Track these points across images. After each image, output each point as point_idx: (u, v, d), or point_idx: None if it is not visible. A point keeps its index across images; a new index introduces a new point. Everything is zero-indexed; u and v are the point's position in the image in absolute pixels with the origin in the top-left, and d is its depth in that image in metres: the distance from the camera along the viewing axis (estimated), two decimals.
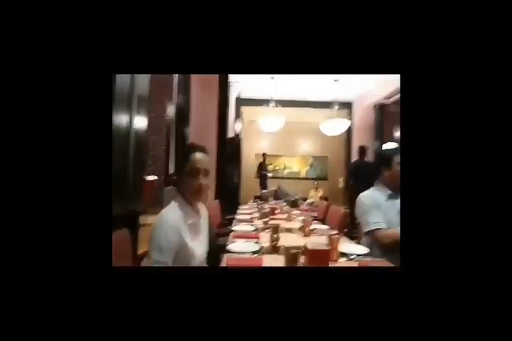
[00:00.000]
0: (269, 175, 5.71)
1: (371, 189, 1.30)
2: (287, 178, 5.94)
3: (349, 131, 5.39)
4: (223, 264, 0.99)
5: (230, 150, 4.49)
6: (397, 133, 4.09)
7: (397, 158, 1.20)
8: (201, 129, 3.69)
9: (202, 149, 0.88)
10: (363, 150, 3.87)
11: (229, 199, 3.97)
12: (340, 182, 5.46)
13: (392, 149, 1.33)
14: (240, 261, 1.06)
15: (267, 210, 2.28)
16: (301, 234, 1.59)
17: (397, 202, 1.20)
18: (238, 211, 2.58)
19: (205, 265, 0.96)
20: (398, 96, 4.27)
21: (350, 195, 4.07)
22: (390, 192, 1.22)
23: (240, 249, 1.20)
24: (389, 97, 4.65)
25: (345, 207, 2.60)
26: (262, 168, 5.47)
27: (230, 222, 2.02)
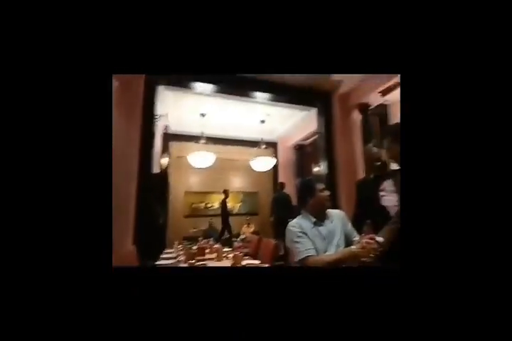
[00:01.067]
0: (235, 211, 5.38)
1: (298, 217, 1.35)
2: (219, 215, 5.74)
3: (275, 168, 5.78)
4: None
5: (155, 187, 4.13)
6: (315, 169, 4.67)
7: (318, 186, 1.32)
8: (121, 164, 3.33)
9: None
10: (281, 184, 4.78)
11: (152, 242, 3.48)
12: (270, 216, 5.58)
13: (313, 178, 1.44)
14: None
15: (194, 251, 2.08)
16: None
17: (321, 229, 1.28)
18: (161, 256, 2.25)
19: None
20: (313, 138, 4.92)
21: (277, 227, 4.38)
22: (314, 219, 1.30)
23: None
24: (306, 139, 5.31)
25: (275, 239, 2.60)
26: (224, 205, 5.07)
27: None
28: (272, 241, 2.30)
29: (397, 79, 3.04)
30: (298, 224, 1.28)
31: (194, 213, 5.72)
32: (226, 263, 1.78)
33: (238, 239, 3.98)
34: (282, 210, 4.33)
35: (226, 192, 5.17)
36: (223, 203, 5.13)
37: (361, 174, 3.37)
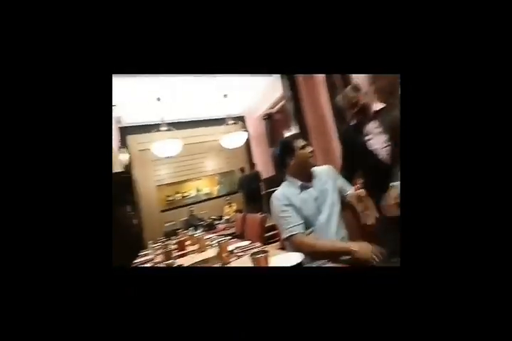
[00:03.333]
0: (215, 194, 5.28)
1: (282, 185, 1.22)
2: (198, 202, 5.51)
3: (247, 142, 5.54)
4: None
5: (118, 187, 3.76)
6: (287, 135, 4.50)
7: (298, 143, 1.16)
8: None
9: None
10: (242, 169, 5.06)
11: (126, 248, 3.23)
12: None
13: (290, 136, 1.29)
14: None
15: (172, 247, 1.82)
16: (220, 263, 1.27)
17: (310, 191, 1.14)
18: (135, 260, 2.01)
19: None
20: (281, 104, 4.66)
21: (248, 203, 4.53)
22: (300, 182, 1.16)
23: None
24: (273, 106, 5.04)
25: (261, 212, 2.43)
26: (247, 181, 4.84)
27: None
28: (258, 216, 2.09)
29: None
30: (282, 194, 1.13)
31: (172, 206, 5.44)
32: (212, 252, 1.58)
33: (222, 221, 3.82)
34: (251, 188, 4.55)
35: (243, 169, 5.24)
36: (243, 180, 4.97)
37: (334, 131, 3.26)
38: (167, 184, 5.53)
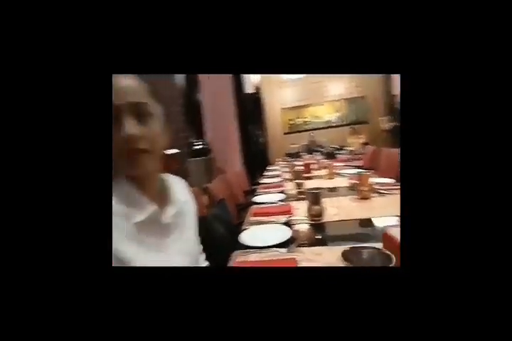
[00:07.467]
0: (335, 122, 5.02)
1: None
2: (320, 128, 5.41)
3: None
4: (249, 216, 1.11)
5: (251, 107, 4.10)
6: None
7: None
8: (214, 89, 3.37)
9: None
10: None
11: (256, 162, 3.73)
12: (382, 123, 4.79)
13: None
14: (265, 209, 1.18)
15: (300, 168, 1.87)
16: (358, 198, 1.14)
17: None
18: (264, 174, 2.34)
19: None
20: None
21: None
22: None
23: (266, 199, 1.36)
24: None
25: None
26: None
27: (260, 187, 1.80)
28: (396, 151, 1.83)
29: None
30: None
31: (293, 129, 5.61)
32: (341, 182, 1.52)
33: (344, 152, 3.70)
34: None
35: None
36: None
37: None
38: (290, 107, 5.59)
